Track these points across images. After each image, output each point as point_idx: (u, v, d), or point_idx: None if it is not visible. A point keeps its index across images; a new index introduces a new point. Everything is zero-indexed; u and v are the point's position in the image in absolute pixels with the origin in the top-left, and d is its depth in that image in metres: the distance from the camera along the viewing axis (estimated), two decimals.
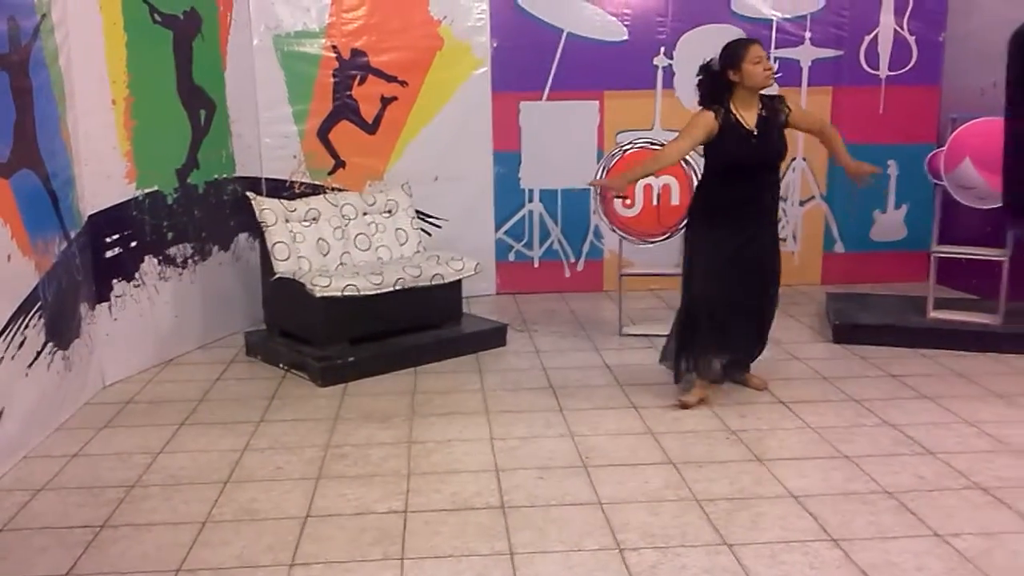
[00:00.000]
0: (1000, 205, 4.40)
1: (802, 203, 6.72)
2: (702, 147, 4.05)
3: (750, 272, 4.09)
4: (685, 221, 4.33)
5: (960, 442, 3.71)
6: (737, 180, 4.02)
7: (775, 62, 6.41)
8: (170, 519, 3.13)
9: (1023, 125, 0.72)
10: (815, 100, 6.53)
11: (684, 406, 4.14)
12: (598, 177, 5.34)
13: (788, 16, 6.42)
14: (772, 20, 6.40)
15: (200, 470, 3.54)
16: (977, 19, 6.18)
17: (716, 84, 3.97)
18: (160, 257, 4.95)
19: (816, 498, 3.20)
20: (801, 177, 6.69)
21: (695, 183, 5.29)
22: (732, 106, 3.96)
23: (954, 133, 4.88)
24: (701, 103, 4.04)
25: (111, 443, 3.86)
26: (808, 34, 6.45)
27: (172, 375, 4.84)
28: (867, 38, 6.48)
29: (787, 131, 4.07)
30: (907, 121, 6.55)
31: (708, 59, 4.02)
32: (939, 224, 5.21)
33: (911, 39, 6.49)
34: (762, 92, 4.01)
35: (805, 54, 6.45)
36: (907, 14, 6.46)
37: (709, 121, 3.95)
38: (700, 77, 4.03)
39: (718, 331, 4.10)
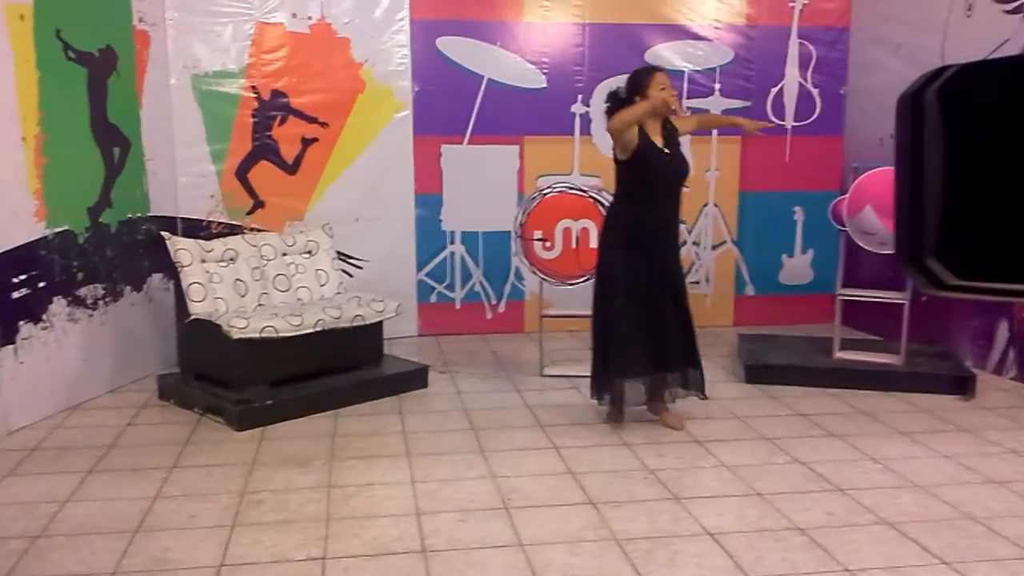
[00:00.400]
0: None
1: (714, 247, 6.94)
2: (618, 171, 4.26)
3: (663, 293, 4.27)
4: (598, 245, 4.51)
5: (867, 478, 3.86)
6: (651, 201, 4.22)
7: (688, 112, 6.66)
8: (77, 571, 3.01)
9: (903, 189, 0.79)
10: (725, 149, 6.79)
11: (614, 420, 4.46)
12: (519, 222, 5.43)
13: (699, 68, 6.68)
14: (684, 72, 6.65)
15: (109, 519, 3.42)
16: (876, 74, 6.55)
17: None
18: (69, 298, 4.80)
19: (731, 535, 3.28)
20: (712, 223, 6.91)
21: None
22: (645, 127, 4.18)
23: (856, 181, 5.13)
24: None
25: (15, 492, 3.70)
26: (718, 85, 6.72)
27: (80, 420, 4.67)
28: (773, 90, 6.79)
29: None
30: (812, 170, 6.86)
31: (616, 88, 4.27)
32: (843, 268, 5.45)
33: (815, 92, 6.83)
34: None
35: (715, 104, 6.72)
36: (811, 68, 6.80)
37: (634, 132, 4.14)
38: (608, 104, 4.24)
39: (636, 352, 4.27)
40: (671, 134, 4.30)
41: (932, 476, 3.87)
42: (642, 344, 4.26)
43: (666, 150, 4.23)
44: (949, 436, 4.39)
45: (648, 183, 4.21)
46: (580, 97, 6.59)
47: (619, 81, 6.45)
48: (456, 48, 6.43)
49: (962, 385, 5.02)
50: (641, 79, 4.19)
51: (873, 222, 5.01)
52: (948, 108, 0.68)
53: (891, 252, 5.04)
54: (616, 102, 4.21)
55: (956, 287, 0.70)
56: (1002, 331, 5.42)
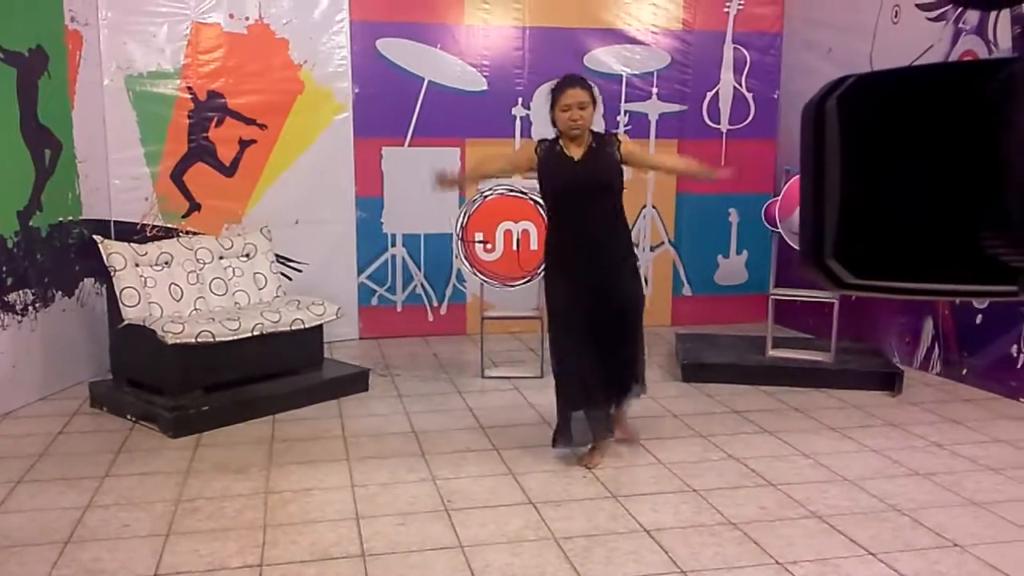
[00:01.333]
0: None
1: (652, 248, 7.05)
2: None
3: (601, 318, 3.90)
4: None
5: (798, 473, 3.96)
6: (566, 215, 3.90)
7: (626, 115, 6.76)
8: None
9: (806, 193, 0.83)
10: (662, 151, 6.88)
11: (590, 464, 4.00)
12: (460, 224, 5.45)
13: (636, 72, 6.78)
14: (622, 75, 6.74)
15: (39, 530, 3.35)
16: (808, 79, 6.71)
17: (551, 117, 3.96)
18: None
19: (667, 531, 3.35)
20: (651, 224, 7.02)
21: None
22: (562, 140, 3.92)
23: (788, 183, 5.26)
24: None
25: None
26: (655, 89, 6.83)
27: (9, 429, 4.55)
28: (709, 94, 6.93)
29: (632, 169, 4.11)
30: (746, 172, 6.98)
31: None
32: (776, 268, 5.59)
33: (749, 96, 6.98)
34: (597, 131, 3.96)
35: (652, 108, 6.82)
36: (745, 73, 6.94)
37: (528, 149, 4.05)
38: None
39: (576, 388, 3.93)
40: (602, 146, 3.91)
41: (860, 470, 3.99)
42: (579, 379, 3.91)
43: (577, 159, 3.87)
44: (877, 431, 4.53)
45: (554, 193, 3.93)
46: (521, 100, 6.63)
47: None
48: (396, 50, 6.42)
49: (889, 381, 5.18)
50: (553, 93, 3.90)
51: None
52: (845, 116, 0.72)
53: None
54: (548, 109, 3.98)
55: (854, 285, 0.74)
56: (927, 329, 5.61)
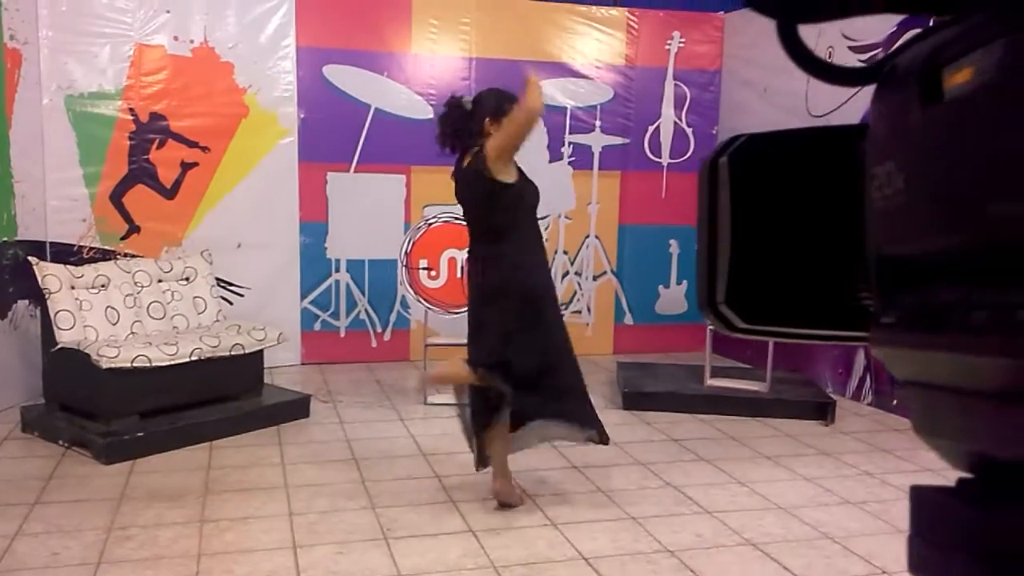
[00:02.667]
0: None
1: (595, 278, 7.15)
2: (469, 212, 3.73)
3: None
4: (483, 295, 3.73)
5: (733, 501, 4.04)
6: (519, 233, 3.66)
7: (570, 147, 6.88)
8: None
9: (700, 243, 0.89)
10: (605, 184, 7.03)
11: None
12: (405, 250, 5.46)
13: (580, 105, 6.91)
14: (567, 108, 6.87)
15: None
16: (744, 116, 6.92)
17: (464, 126, 3.61)
18: None
19: (605, 559, 3.38)
20: (594, 254, 7.12)
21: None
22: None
23: None
24: (441, 141, 3.68)
25: None
26: (599, 122, 6.96)
27: None
28: (650, 128, 7.09)
29: None
30: (687, 204, 7.14)
31: (460, 96, 3.72)
32: None
33: (689, 131, 7.15)
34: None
35: (596, 141, 6.95)
36: (685, 108, 7.12)
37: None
38: (448, 112, 3.66)
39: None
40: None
41: (794, 498, 4.09)
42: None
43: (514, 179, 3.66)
44: (810, 459, 4.64)
45: (519, 212, 3.67)
46: None
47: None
48: (343, 77, 6.44)
49: (823, 411, 5.32)
50: (503, 104, 3.57)
51: None
52: (736, 174, 0.78)
53: None
54: (460, 115, 3.61)
55: (744, 329, 0.80)
56: (860, 360, 5.79)
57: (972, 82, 0.54)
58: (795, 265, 0.77)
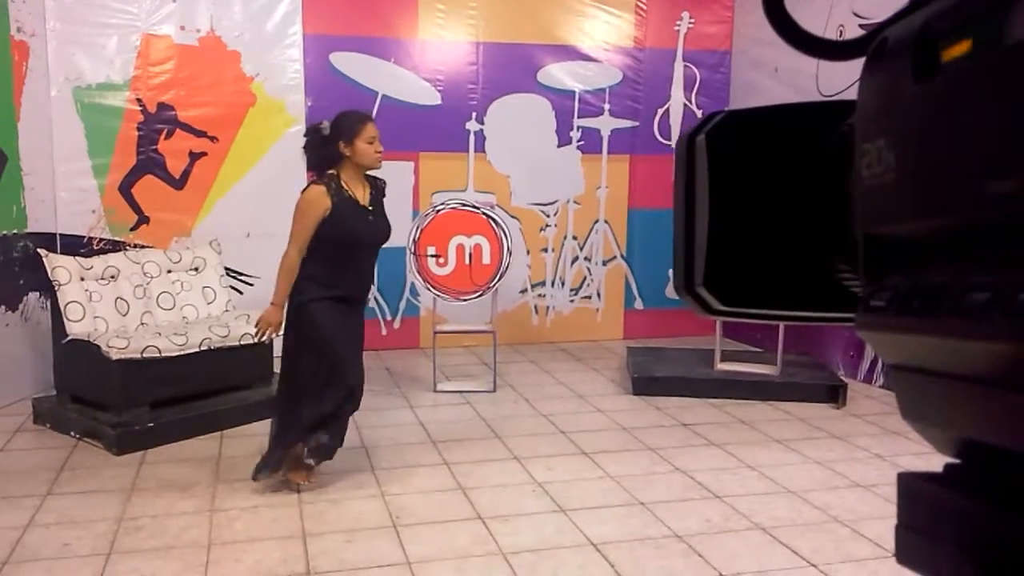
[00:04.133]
0: None
1: (605, 263, 7.11)
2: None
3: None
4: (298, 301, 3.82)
5: (743, 485, 4.03)
6: (349, 260, 3.76)
7: (579, 131, 6.84)
8: None
9: (678, 223, 0.88)
10: (614, 167, 6.98)
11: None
12: (413, 238, 5.45)
13: (589, 88, 6.86)
14: (575, 91, 6.82)
15: None
16: (756, 96, 6.85)
17: (326, 151, 3.72)
18: None
19: (613, 545, 3.38)
20: (603, 238, 7.09)
21: (504, 246, 5.52)
22: (343, 180, 3.71)
23: None
24: (310, 167, 3.90)
25: None
26: (607, 106, 6.91)
27: None
28: (660, 110, 7.03)
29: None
30: None
31: (320, 122, 3.79)
32: None
33: (699, 112, 7.08)
34: (368, 172, 3.83)
35: (605, 124, 6.91)
36: (695, 90, 7.06)
37: (321, 202, 3.65)
38: (308, 139, 3.78)
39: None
40: (379, 194, 3.88)
41: (804, 482, 4.07)
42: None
43: (370, 208, 3.79)
44: (821, 443, 4.62)
45: (347, 243, 3.73)
46: (475, 114, 6.67)
47: (513, 99, 6.69)
48: (350, 64, 6.42)
49: (834, 394, 5.29)
50: (352, 125, 3.69)
51: None
52: (713, 152, 0.76)
53: None
54: (320, 141, 3.73)
55: (722, 311, 0.79)
56: None
57: (970, 55, 0.52)
58: (774, 245, 0.75)
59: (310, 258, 3.75)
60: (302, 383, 3.80)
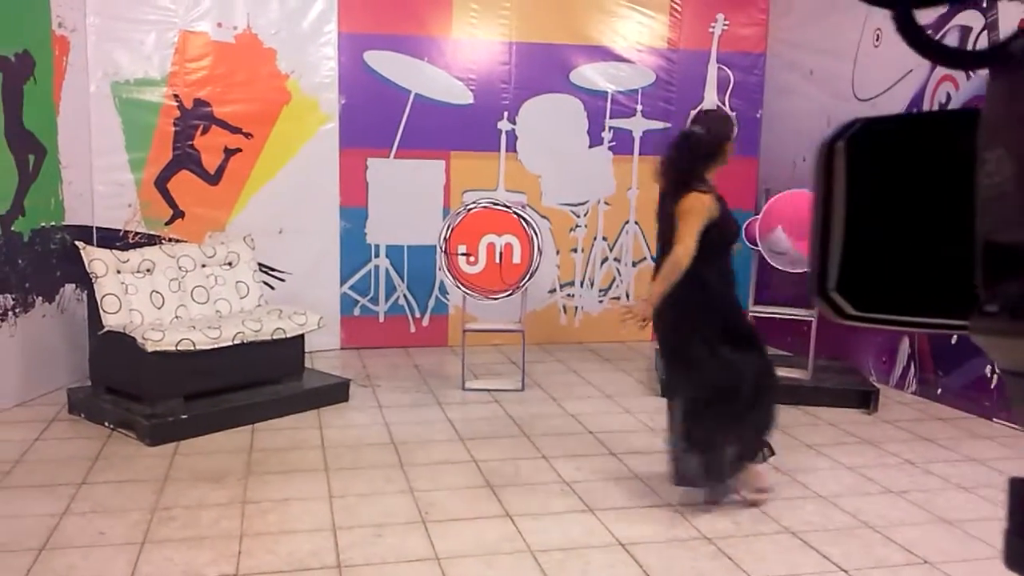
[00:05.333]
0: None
1: (634, 264, 7.09)
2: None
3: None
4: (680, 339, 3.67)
5: (772, 489, 3.99)
6: (724, 258, 3.67)
7: (610, 132, 6.83)
8: None
9: (815, 227, 0.87)
10: (646, 168, 6.94)
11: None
12: (444, 236, 5.47)
13: (622, 89, 6.84)
14: (607, 92, 6.81)
15: (14, 536, 3.33)
16: (790, 99, 6.81)
17: (708, 154, 3.57)
18: None
19: (642, 545, 3.37)
20: (633, 240, 7.07)
21: (535, 246, 5.47)
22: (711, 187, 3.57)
23: (768, 202, 5.32)
24: (683, 178, 3.56)
25: None
26: (639, 107, 6.89)
27: None
28: (693, 112, 6.97)
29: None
30: (728, 189, 6.97)
31: (693, 129, 3.71)
32: (755, 286, 5.64)
33: (732, 115, 7.03)
34: None
35: (637, 125, 6.89)
36: (728, 92, 7.02)
37: (711, 206, 3.49)
38: (687, 145, 3.61)
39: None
40: None
41: (834, 486, 4.03)
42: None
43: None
44: (852, 448, 4.58)
45: (729, 243, 3.72)
46: (506, 114, 6.68)
47: (545, 100, 6.69)
48: (384, 62, 6.46)
49: (865, 399, 5.24)
50: (729, 125, 3.74)
51: (784, 243, 5.21)
52: (852, 158, 0.76)
53: (801, 271, 5.26)
54: (705, 144, 3.59)
55: (855, 317, 0.79)
56: (904, 348, 5.68)
57: None
58: (910, 252, 0.76)
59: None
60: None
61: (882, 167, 0.77)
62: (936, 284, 0.75)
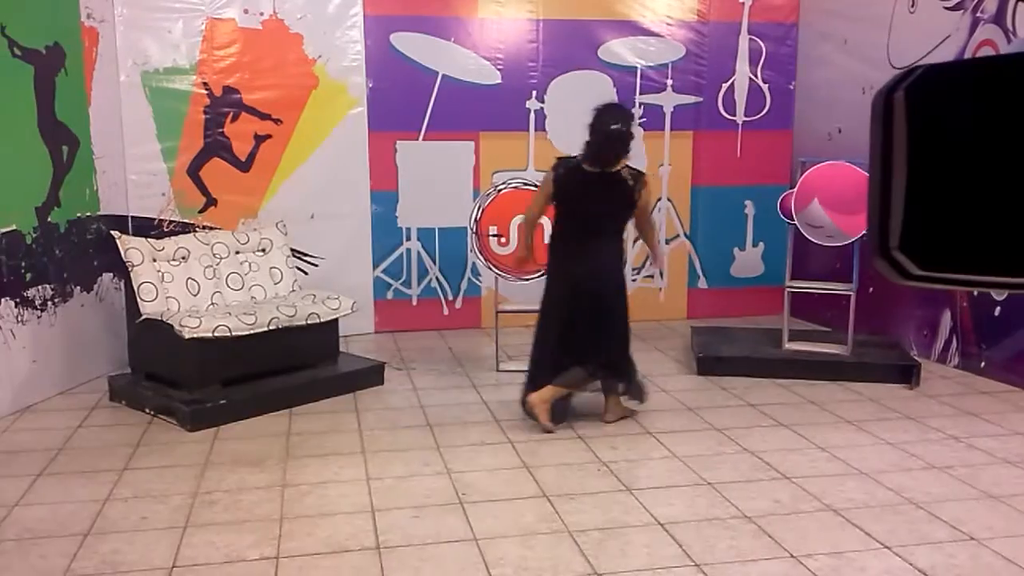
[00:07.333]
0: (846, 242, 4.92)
1: (668, 241, 7.02)
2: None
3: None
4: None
5: (813, 467, 3.95)
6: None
7: (640, 108, 6.74)
8: (27, 575, 2.98)
9: (873, 184, 0.83)
10: (677, 144, 6.87)
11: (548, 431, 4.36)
12: (474, 217, 5.44)
13: (651, 64, 6.75)
14: (637, 68, 6.72)
15: (59, 522, 3.39)
16: (824, 69, 6.67)
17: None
18: (17, 299, 4.73)
19: (681, 525, 3.35)
20: (666, 216, 7.00)
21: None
22: None
23: (803, 175, 5.23)
24: (622, 156, 4.57)
25: None
26: (670, 81, 6.79)
27: (30, 423, 4.60)
28: (724, 86, 6.89)
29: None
30: (762, 164, 6.96)
31: (630, 112, 4.67)
32: (792, 261, 5.55)
33: (765, 87, 6.93)
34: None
35: (667, 100, 6.80)
36: (761, 64, 6.90)
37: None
38: (629, 128, 4.49)
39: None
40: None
41: (876, 463, 3.97)
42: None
43: None
44: (893, 424, 4.51)
45: None
46: (535, 93, 6.62)
47: (574, 77, 6.62)
48: (410, 44, 6.42)
49: (907, 374, 5.15)
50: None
51: (820, 215, 5.12)
52: (913, 108, 0.71)
53: (838, 244, 5.17)
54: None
55: (920, 276, 0.74)
56: (945, 321, 5.57)
57: None
58: (977, 207, 0.71)
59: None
60: None
61: (945, 116, 0.71)
62: (1007, 239, 0.70)
